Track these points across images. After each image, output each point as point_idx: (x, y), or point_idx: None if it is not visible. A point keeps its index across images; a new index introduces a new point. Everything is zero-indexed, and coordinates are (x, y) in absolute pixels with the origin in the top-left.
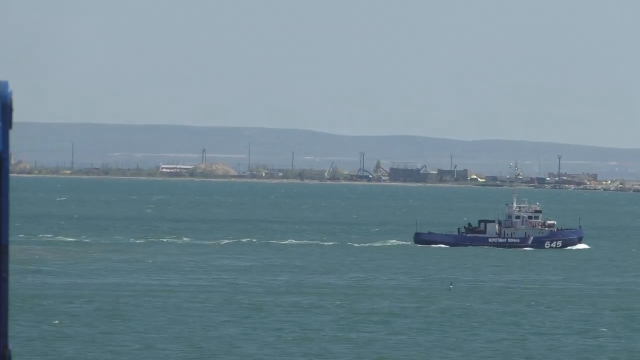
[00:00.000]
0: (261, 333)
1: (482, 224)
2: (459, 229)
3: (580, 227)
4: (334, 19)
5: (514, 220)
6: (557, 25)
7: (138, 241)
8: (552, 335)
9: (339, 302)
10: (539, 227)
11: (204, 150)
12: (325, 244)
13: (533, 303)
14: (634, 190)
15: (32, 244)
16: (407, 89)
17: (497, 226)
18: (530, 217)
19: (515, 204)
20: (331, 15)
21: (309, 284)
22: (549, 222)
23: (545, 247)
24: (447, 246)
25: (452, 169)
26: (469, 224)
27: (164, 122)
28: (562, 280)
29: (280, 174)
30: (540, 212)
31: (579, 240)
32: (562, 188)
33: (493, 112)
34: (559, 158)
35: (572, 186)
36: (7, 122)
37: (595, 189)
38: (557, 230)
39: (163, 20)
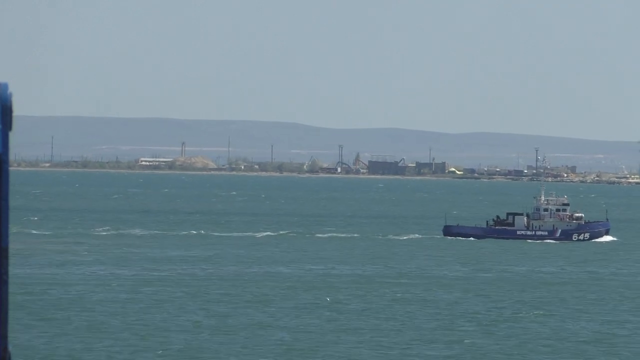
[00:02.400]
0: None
1: (510, 217)
2: (487, 221)
3: (607, 219)
4: (318, 14)
5: (542, 212)
6: (544, 18)
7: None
8: None
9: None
10: (567, 219)
11: (183, 143)
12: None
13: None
14: (608, 182)
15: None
16: (395, 82)
17: (525, 219)
18: (558, 210)
19: (543, 197)
20: (315, 10)
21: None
22: (576, 214)
23: (573, 239)
24: (476, 239)
25: (431, 161)
26: (497, 217)
27: (151, 115)
28: None
29: (257, 166)
30: (568, 204)
31: (606, 233)
32: (539, 180)
33: (478, 105)
34: (536, 150)
35: (550, 178)
36: (7, 124)
37: (572, 181)
38: (585, 222)
39: (148, 14)
